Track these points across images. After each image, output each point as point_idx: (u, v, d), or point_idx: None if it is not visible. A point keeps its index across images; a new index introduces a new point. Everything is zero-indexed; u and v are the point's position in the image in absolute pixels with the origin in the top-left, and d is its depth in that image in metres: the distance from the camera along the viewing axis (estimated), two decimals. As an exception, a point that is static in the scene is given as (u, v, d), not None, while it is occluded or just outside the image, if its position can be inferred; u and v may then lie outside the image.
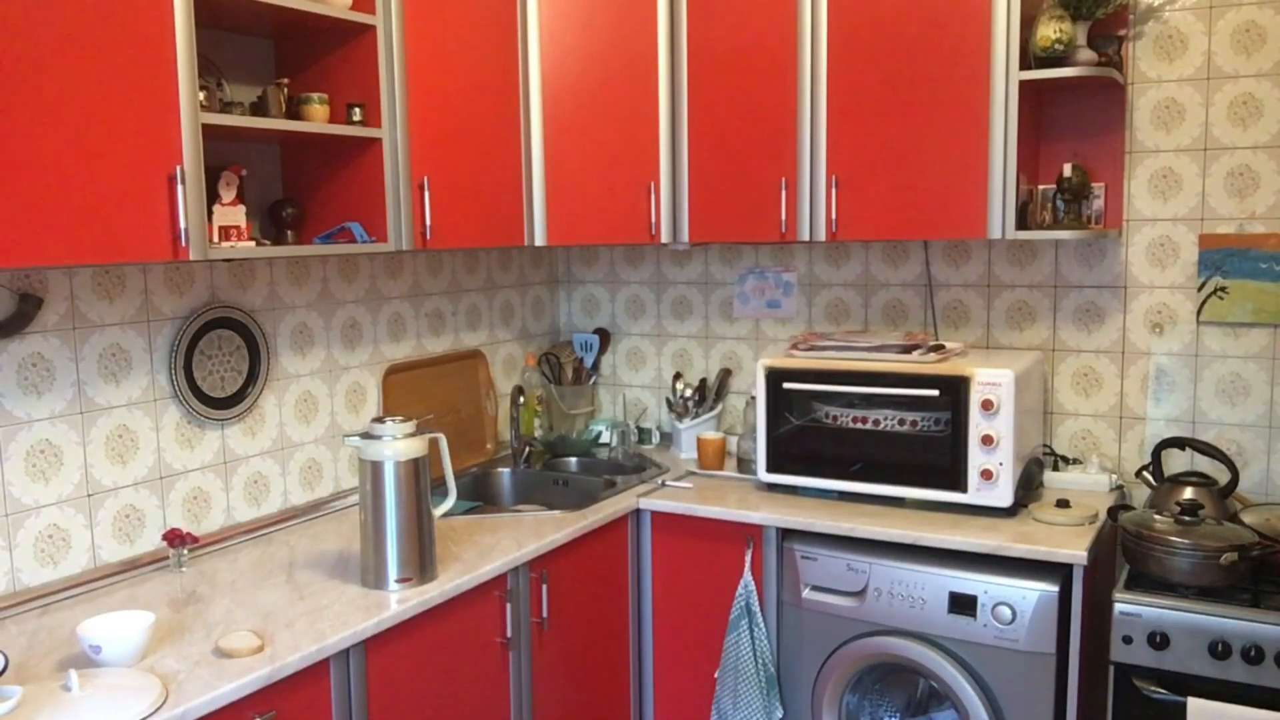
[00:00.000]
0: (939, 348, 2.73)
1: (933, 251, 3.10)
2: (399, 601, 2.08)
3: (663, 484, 2.97)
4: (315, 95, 2.32)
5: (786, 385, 2.77)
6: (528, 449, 3.28)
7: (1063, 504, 2.56)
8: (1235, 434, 2.72)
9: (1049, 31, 2.55)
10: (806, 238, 2.84)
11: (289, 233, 2.48)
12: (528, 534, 2.52)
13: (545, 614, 2.51)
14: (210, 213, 2.14)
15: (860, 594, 2.55)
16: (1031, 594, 2.34)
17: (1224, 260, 2.69)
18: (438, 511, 2.25)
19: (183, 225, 1.93)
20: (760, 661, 2.67)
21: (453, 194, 2.62)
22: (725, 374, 3.42)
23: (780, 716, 2.68)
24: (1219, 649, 2.14)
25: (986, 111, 2.57)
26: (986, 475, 2.54)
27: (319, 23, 2.32)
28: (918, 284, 3.13)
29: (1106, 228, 2.82)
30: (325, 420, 2.77)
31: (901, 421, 2.65)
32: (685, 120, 2.99)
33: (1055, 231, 2.65)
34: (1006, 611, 2.36)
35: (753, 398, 2.92)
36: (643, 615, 2.91)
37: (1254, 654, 2.11)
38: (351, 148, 2.43)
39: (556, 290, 3.75)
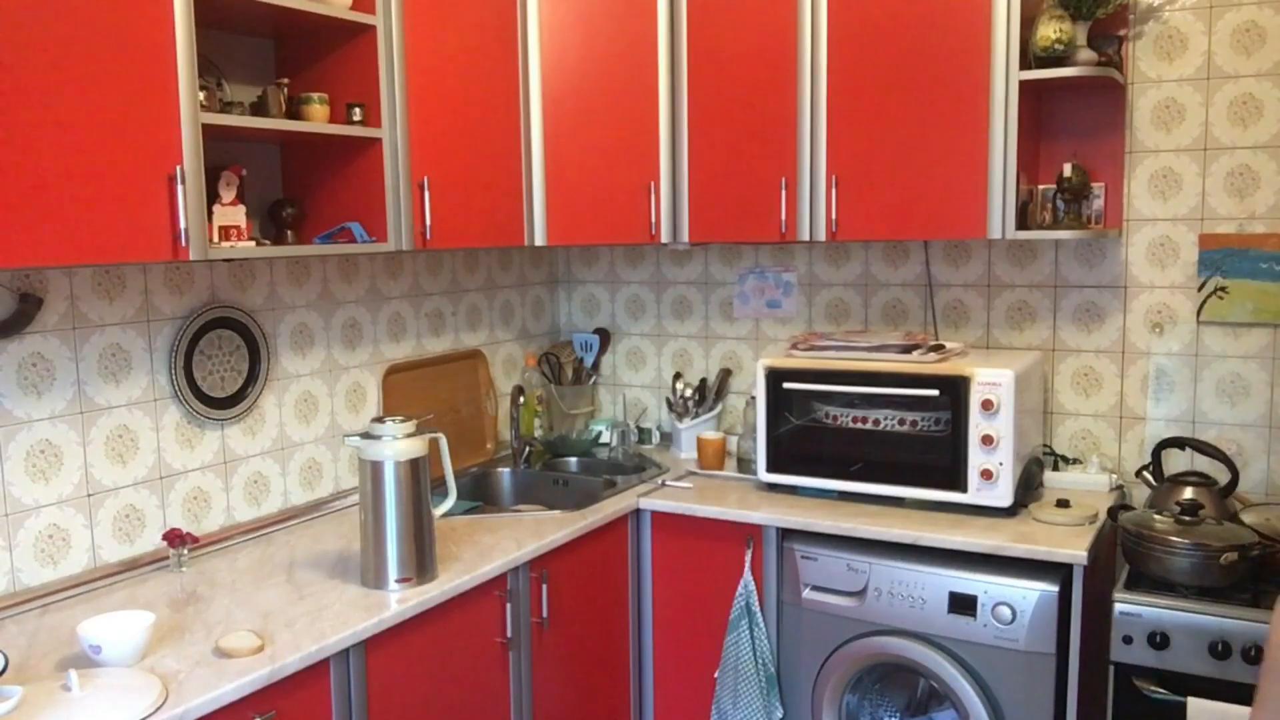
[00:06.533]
0: (939, 348, 2.73)
1: (933, 251, 3.10)
2: (399, 601, 2.08)
3: (663, 484, 2.97)
4: (315, 95, 2.32)
5: (786, 385, 2.77)
6: (528, 449, 3.28)
7: (1063, 504, 2.56)
8: (1235, 434, 2.72)
9: (1049, 31, 2.55)
10: (806, 238, 2.84)
11: (289, 233, 2.48)
12: (528, 534, 2.52)
13: (545, 614, 2.51)
14: (210, 213, 2.14)
15: (860, 594, 2.55)
16: (1031, 594, 2.34)
17: (1224, 260, 2.69)
18: (438, 511, 2.25)
19: (183, 225, 1.93)
20: (760, 661, 2.67)
21: (453, 194, 2.62)
22: (725, 374, 3.42)
23: (780, 716, 2.68)
24: (1219, 649, 2.14)
25: (986, 111, 2.57)
26: (986, 475, 2.54)
27: (319, 23, 2.32)
28: (918, 284, 3.13)
29: (1106, 228, 2.82)
30: (325, 420, 2.77)
31: (901, 421, 2.65)
32: (685, 120, 2.99)
33: (1055, 231, 2.65)
34: (1006, 611, 2.36)
35: (753, 398, 2.92)
36: (643, 615, 2.91)
37: (1254, 654, 2.11)
38: (351, 148, 2.43)
39: (556, 290, 3.75)
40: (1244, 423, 2.71)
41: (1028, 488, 2.65)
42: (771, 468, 2.83)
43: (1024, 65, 2.59)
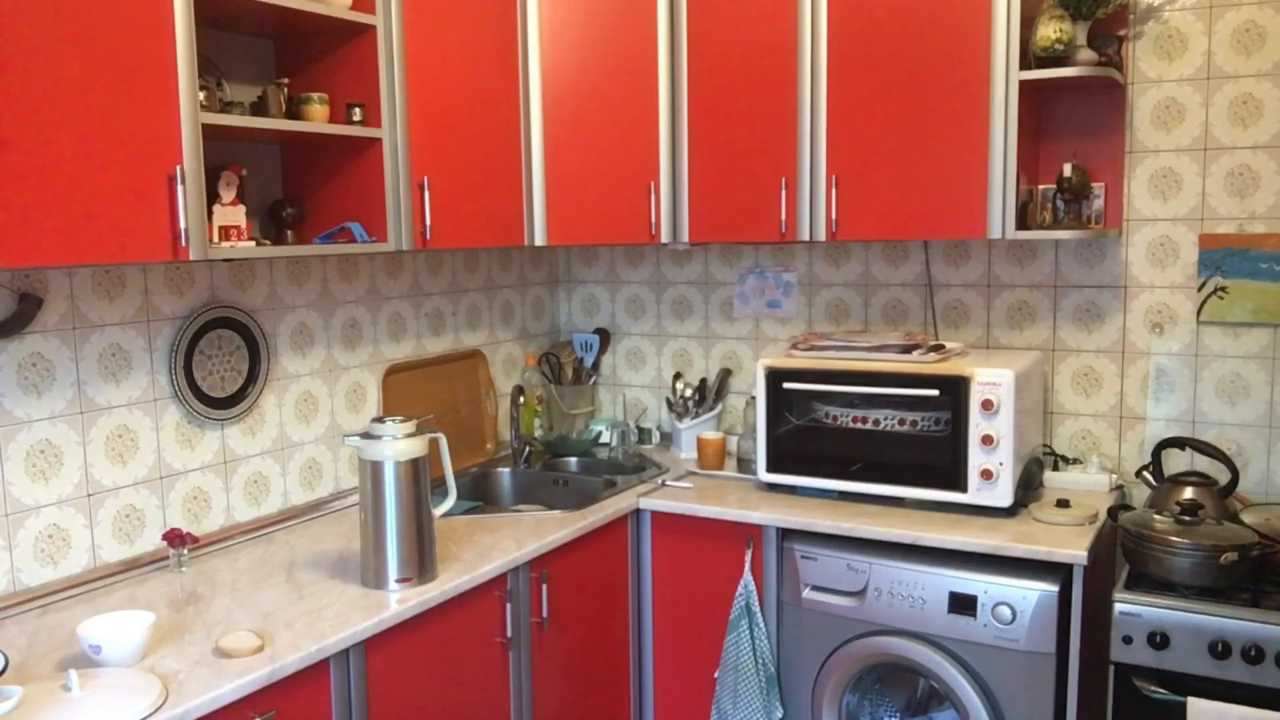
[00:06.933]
0: (939, 348, 2.73)
1: (933, 251, 3.10)
2: (399, 601, 2.08)
3: (663, 484, 2.97)
4: (315, 95, 2.32)
5: (786, 385, 2.77)
6: (528, 449, 3.28)
7: (1063, 504, 2.56)
8: (1235, 434, 2.72)
9: (1049, 31, 2.55)
10: (806, 238, 2.84)
11: (289, 233, 2.48)
12: (528, 534, 2.52)
13: (545, 614, 2.51)
14: (210, 213, 2.14)
15: (860, 594, 2.55)
16: (1031, 594, 2.34)
17: (1224, 260, 2.69)
18: (438, 511, 2.25)
19: (183, 225, 1.93)
20: (760, 661, 2.67)
21: (453, 194, 2.62)
22: (725, 374, 3.42)
23: (780, 716, 2.68)
24: (1219, 649, 2.14)
25: (986, 111, 2.57)
26: (986, 475, 2.54)
27: (319, 23, 2.32)
28: (918, 284, 3.13)
29: (1106, 228, 2.82)
30: (325, 420, 2.77)
31: (901, 421, 2.65)
32: (685, 120, 2.99)
33: (1055, 231, 2.65)
34: (1006, 611, 2.36)
35: (753, 398, 2.92)
36: (643, 615, 2.91)
37: (1254, 654, 2.11)
38: (351, 148, 2.43)
39: (556, 290, 3.75)
40: (1244, 423, 2.71)
41: (1028, 488, 2.65)
42: (771, 468, 2.83)
43: (1024, 65, 2.59)
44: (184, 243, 1.94)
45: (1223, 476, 2.55)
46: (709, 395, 3.37)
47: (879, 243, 3.16)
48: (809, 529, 2.61)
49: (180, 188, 1.93)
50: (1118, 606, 2.26)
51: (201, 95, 2.01)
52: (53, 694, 1.60)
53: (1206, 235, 2.71)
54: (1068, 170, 2.72)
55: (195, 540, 2.34)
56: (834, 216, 2.79)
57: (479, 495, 3.16)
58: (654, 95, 2.99)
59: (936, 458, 2.60)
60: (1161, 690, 2.20)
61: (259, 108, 2.30)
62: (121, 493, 2.27)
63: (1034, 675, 2.36)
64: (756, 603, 2.69)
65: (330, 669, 1.92)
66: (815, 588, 2.62)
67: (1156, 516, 2.33)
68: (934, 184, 2.66)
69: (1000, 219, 2.58)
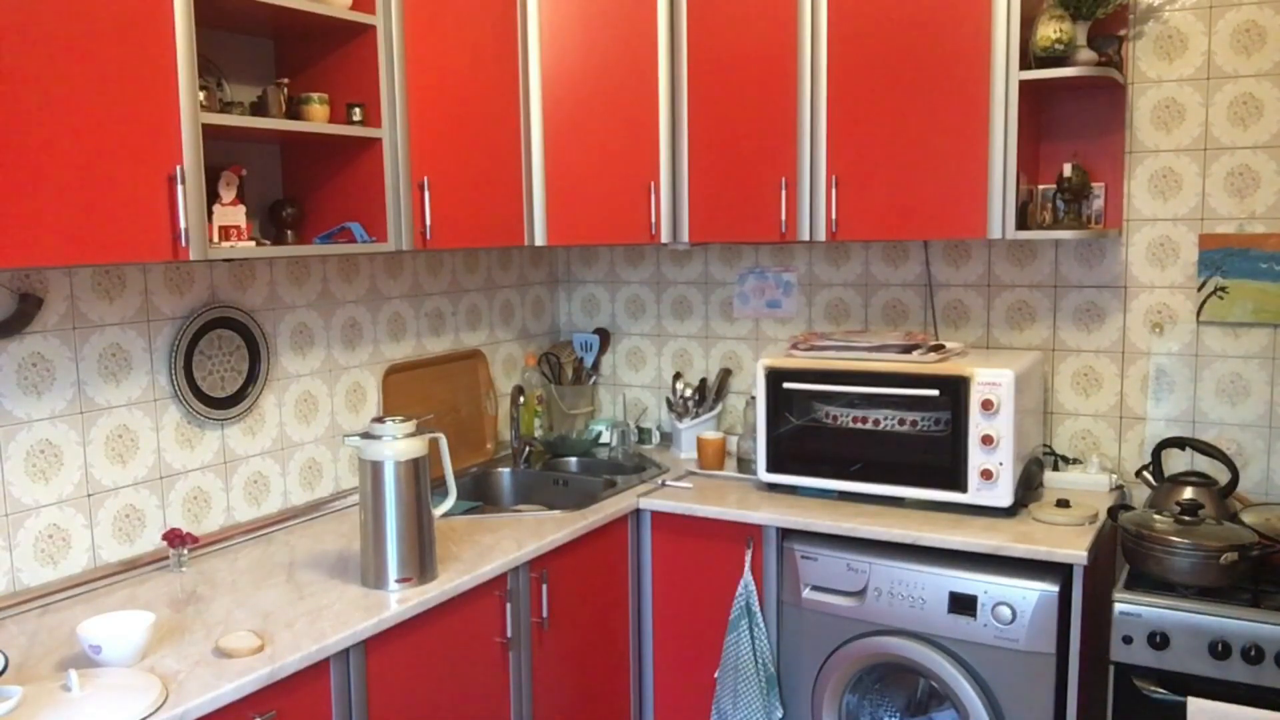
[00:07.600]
0: (939, 348, 2.73)
1: (933, 251, 3.10)
2: (399, 601, 2.08)
3: (663, 484, 2.97)
4: (315, 95, 2.32)
5: (786, 385, 2.77)
6: (528, 449, 3.28)
7: (1063, 504, 2.56)
8: (1235, 434, 2.72)
9: (1049, 31, 2.55)
10: (806, 238, 2.84)
11: (289, 233, 2.48)
12: (528, 534, 2.52)
13: (545, 614, 2.51)
14: (210, 213, 2.14)
15: (860, 594, 2.55)
16: (1031, 594, 2.34)
17: (1224, 260, 2.69)
18: (438, 511, 2.25)
19: (183, 225, 1.93)
20: (760, 661, 2.67)
21: (453, 194, 2.62)
22: (725, 374, 3.42)
23: (780, 716, 2.68)
24: (1219, 649, 2.14)
25: (986, 111, 2.57)
26: (986, 475, 2.54)
27: (319, 23, 2.32)
28: (918, 284, 3.13)
29: (1106, 228, 2.82)
30: (325, 420, 2.77)
31: (901, 421, 2.65)
32: (685, 120, 2.99)
33: (1055, 231, 2.65)
34: (1006, 611, 2.36)
35: (753, 398, 2.92)
36: (643, 615, 2.91)
37: (1254, 654, 2.11)
38: (351, 148, 2.43)
39: (556, 290, 3.75)
40: (1244, 423, 2.71)
41: (1028, 488, 2.65)
42: (771, 468, 2.83)
43: (1024, 65, 2.59)
44: (184, 243, 1.94)
45: (1223, 476, 2.55)
46: (709, 395, 3.37)
47: (879, 243, 3.16)
48: (809, 529, 2.61)
49: (180, 188, 1.93)
50: (1118, 606, 2.26)
51: (201, 95, 2.01)
52: (53, 694, 1.60)
53: (1206, 235, 2.71)
54: (1068, 170, 2.72)
55: (195, 540, 2.34)
56: (834, 216, 2.79)
57: (479, 495, 3.16)
58: (654, 95, 2.99)
59: (936, 458, 2.60)
60: (1161, 690, 2.20)
61: (259, 108, 2.30)
62: (121, 493, 2.27)
63: (1034, 675, 2.36)
64: (756, 603, 2.69)
65: (330, 669, 1.92)
66: (815, 588, 2.62)
67: (1156, 516, 2.33)
68: (934, 184, 2.66)
69: (1000, 219, 2.58)
